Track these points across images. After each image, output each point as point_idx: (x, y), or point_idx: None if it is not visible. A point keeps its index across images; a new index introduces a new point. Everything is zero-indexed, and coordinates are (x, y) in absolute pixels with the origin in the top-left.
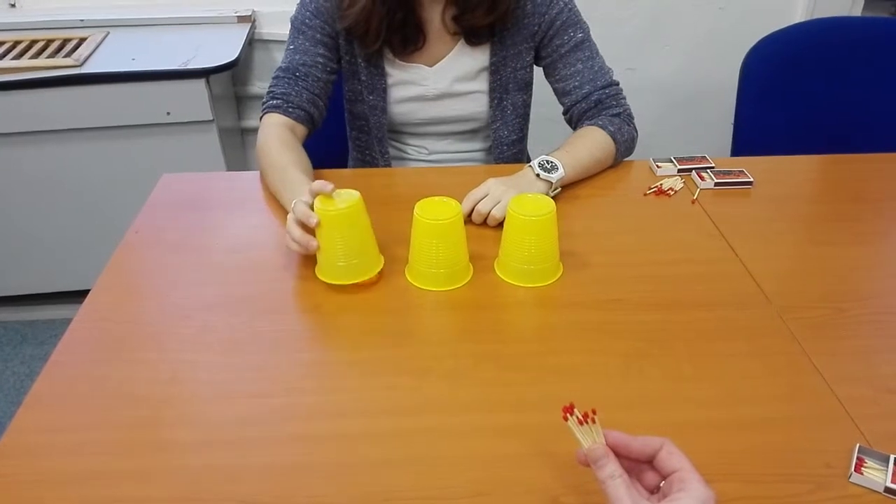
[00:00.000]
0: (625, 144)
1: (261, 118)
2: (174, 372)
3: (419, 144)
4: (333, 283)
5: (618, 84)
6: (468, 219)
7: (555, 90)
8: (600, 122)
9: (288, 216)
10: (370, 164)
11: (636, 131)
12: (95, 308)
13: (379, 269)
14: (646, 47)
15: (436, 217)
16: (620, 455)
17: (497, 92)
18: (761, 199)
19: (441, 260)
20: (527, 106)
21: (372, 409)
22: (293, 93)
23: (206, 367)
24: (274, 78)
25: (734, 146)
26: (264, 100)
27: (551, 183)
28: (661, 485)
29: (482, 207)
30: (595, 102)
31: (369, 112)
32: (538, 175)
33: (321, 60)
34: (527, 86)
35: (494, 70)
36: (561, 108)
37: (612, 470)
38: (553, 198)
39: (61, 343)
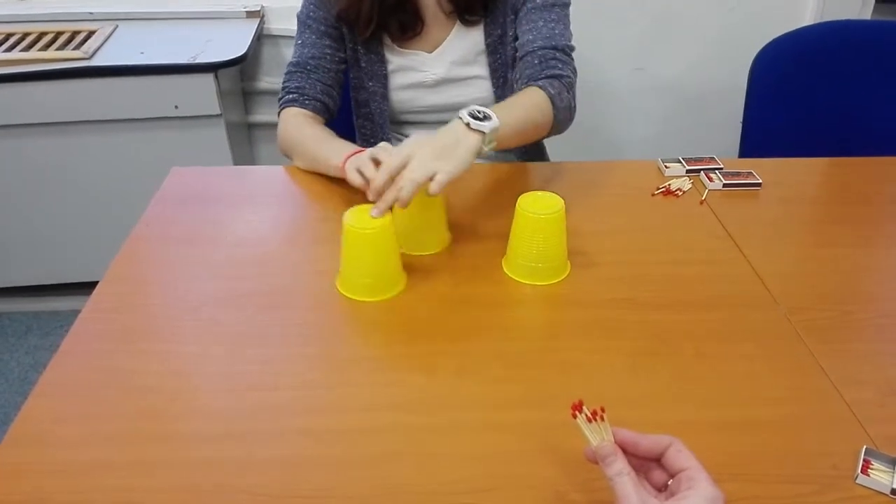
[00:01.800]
0: (563, 112)
1: (279, 115)
2: (181, 364)
3: None
4: (355, 298)
5: (571, 53)
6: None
7: (515, 48)
8: (540, 84)
9: (365, 154)
10: None
11: (575, 101)
12: (104, 299)
13: (401, 289)
14: (655, 47)
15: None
16: (628, 453)
17: (499, 72)
18: (770, 200)
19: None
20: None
21: (378, 404)
22: (307, 85)
23: (213, 360)
24: (286, 74)
25: (742, 147)
26: (280, 97)
27: (484, 134)
28: (669, 483)
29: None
30: (540, 59)
31: (370, 99)
32: (468, 125)
33: (329, 52)
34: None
35: (492, 50)
36: None
37: (620, 467)
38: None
39: (70, 333)
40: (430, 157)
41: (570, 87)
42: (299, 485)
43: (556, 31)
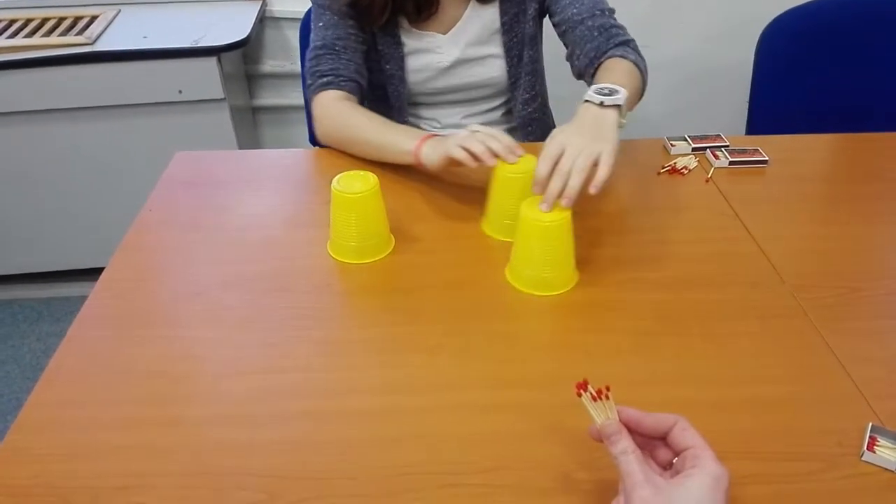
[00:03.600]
0: (646, 73)
1: (312, 100)
2: (187, 348)
3: (432, 116)
4: (344, 261)
5: (615, 14)
6: (541, 186)
7: (555, 25)
8: (619, 53)
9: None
10: None
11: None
12: (110, 285)
13: (388, 252)
14: (661, 24)
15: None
16: (633, 431)
17: (514, 51)
18: (776, 178)
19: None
20: (535, 62)
21: (383, 386)
22: (341, 66)
23: (218, 344)
24: (313, 58)
25: (749, 125)
26: (310, 81)
27: (620, 107)
28: (674, 461)
29: (563, 167)
30: (599, 30)
31: (387, 82)
32: (601, 104)
33: (353, 32)
34: (532, 40)
35: (507, 29)
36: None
37: (624, 446)
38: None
39: (76, 320)
40: (587, 142)
41: (638, 49)
42: (305, 467)
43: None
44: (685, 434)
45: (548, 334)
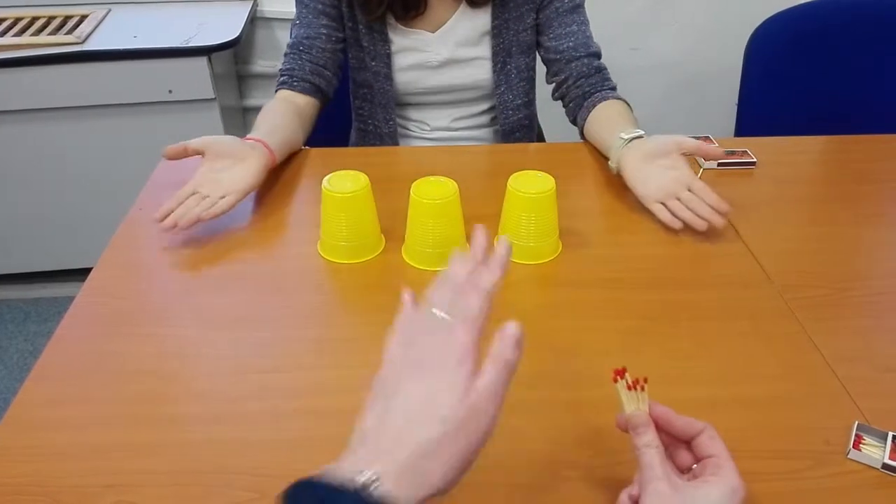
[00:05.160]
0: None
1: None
2: (178, 347)
3: (420, 119)
4: (335, 261)
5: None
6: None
7: (546, 48)
8: (613, 96)
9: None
10: (372, 135)
11: None
12: (99, 284)
13: (379, 251)
14: (650, 27)
15: (432, 197)
16: (661, 429)
17: (500, 56)
18: (764, 179)
19: (436, 239)
20: (531, 69)
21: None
22: (296, 67)
23: (209, 343)
24: (284, 56)
25: (738, 126)
26: (276, 79)
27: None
28: (694, 467)
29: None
30: (595, 69)
31: (373, 79)
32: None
33: (324, 31)
34: (529, 48)
35: (496, 33)
36: (546, 71)
37: (649, 439)
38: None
39: (65, 318)
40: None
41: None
42: (297, 465)
43: (588, 35)
44: (712, 442)
45: (535, 334)
